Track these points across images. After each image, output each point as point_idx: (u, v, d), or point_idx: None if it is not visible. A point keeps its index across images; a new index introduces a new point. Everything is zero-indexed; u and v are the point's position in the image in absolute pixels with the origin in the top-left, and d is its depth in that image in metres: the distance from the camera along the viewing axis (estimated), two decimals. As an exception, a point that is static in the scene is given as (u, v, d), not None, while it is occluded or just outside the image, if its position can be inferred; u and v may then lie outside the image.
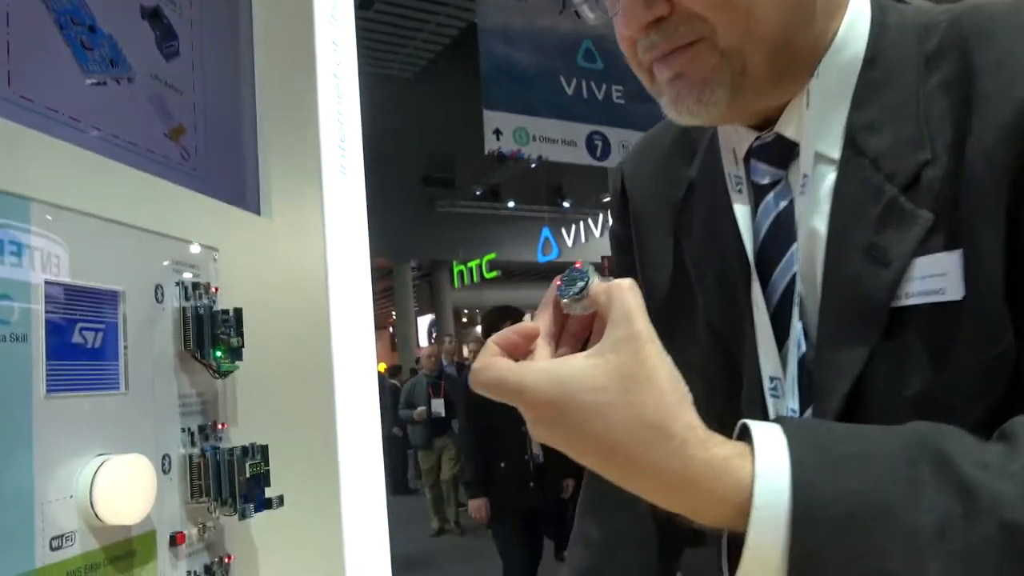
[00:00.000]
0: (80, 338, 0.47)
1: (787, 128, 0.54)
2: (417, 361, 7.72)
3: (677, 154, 0.66)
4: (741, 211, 0.57)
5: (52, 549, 0.42)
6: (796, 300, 0.52)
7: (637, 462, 0.40)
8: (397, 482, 7.34)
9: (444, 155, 15.32)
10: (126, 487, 0.46)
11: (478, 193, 15.20)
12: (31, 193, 0.44)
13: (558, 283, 0.47)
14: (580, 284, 0.46)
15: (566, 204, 16.08)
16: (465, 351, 7.31)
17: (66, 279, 0.45)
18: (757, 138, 0.56)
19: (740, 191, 0.57)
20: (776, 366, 0.52)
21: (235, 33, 0.75)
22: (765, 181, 0.56)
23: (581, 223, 16.04)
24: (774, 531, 0.37)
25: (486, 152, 6.13)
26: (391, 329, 17.21)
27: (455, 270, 15.59)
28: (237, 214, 0.68)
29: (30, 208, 0.43)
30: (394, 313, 16.32)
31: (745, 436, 0.42)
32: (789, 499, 0.37)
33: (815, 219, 0.52)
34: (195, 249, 0.59)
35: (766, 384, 0.53)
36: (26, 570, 0.40)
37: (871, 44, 0.52)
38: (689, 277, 0.61)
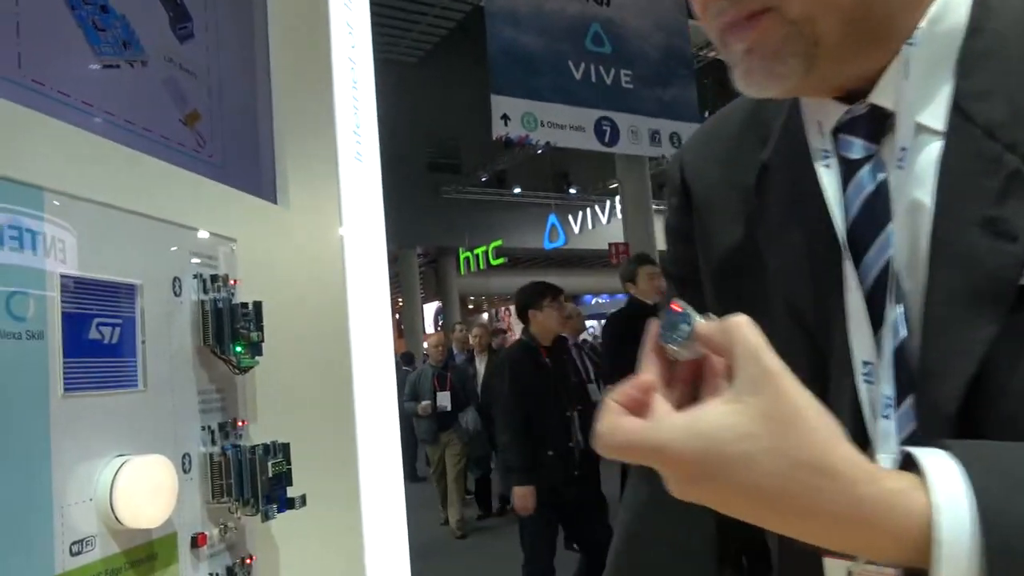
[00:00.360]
0: (97, 334, 0.45)
1: (882, 98, 0.52)
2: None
3: (747, 138, 0.63)
4: (831, 187, 0.54)
5: (72, 554, 0.40)
6: (892, 282, 0.49)
7: (802, 508, 0.38)
8: (408, 470, 7.23)
9: (450, 141, 15.26)
10: (147, 489, 0.44)
11: (484, 179, 15.14)
12: (44, 182, 0.42)
13: (658, 329, 0.44)
14: (685, 327, 0.43)
15: (572, 190, 16.02)
16: (469, 339, 6.89)
17: (82, 272, 0.43)
18: (847, 111, 0.54)
19: (828, 166, 0.54)
20: (871, 350, 0.50)
21: (249, 16, 0.72)
22: (857, 155, 0.53)
23: (588, 209, 15.98)
24: (964, 566, 0.35)
25: (494, 137, 6.09)
26: (397, 316, 17.24)
27: (461, 257, 15.55)
28: (254, 203, 0.66)
29: (43, 198, 0.41)
30: (400, 300, 16.34)
31: (909, 465, 0.39)
32: (977, 530, 0.35)
33: (918, 193, 0.49)
34: (213, 240, 0.57)
35: (858, 369, 0.50)
36: (45, 578, 0.39)
37: (974, 13, 0.49)
38: (762, 262, 0.58)
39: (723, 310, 0.60)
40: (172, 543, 0.49)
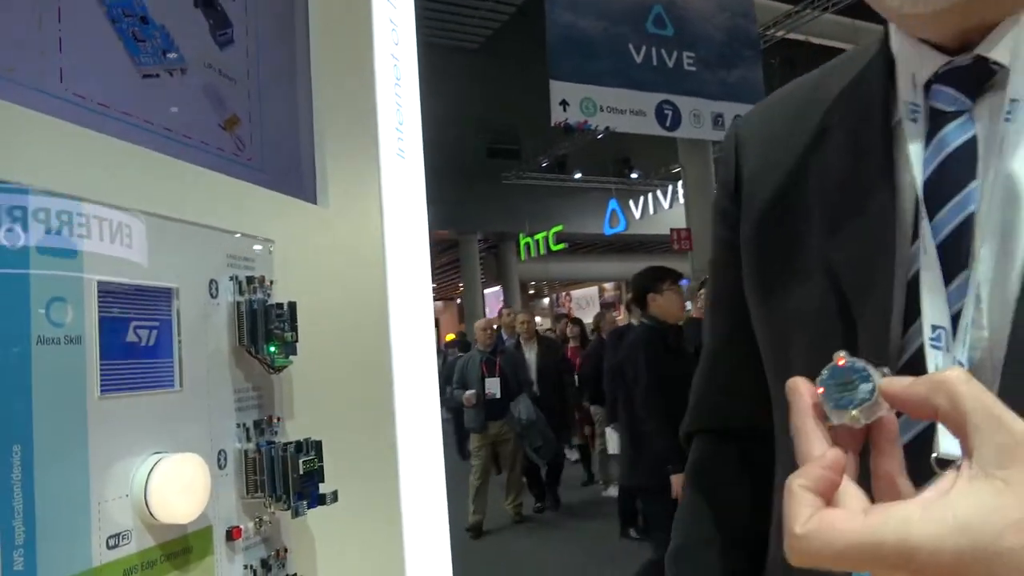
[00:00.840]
0: (134, 337, 0.47)
1: (995, 50, 0.49)
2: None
3: (811, 106, 0.62)
4: (914, 143, 0.52)
5: (109, 548, 0.43)
6: (976, 246, 0.46)
7: None
8: (458, 448, 7.06)
9: (510, 126, 15.26)
10: (179, 486, 0.46)
11: (544, 164, 15.09)
12: (83, 193, 0.43)
13: (821, 391, 0.38)
14: (866, 387, 0.36)
15: (634, 175, 15.81)
16: (516, 325, 6.36)
17: (119, 278, 0.45)
18: (949, 61, 0.52)
19: (915, 120, 0.53)
20: (942, 315, 0.47)
21: (290, 17, 0.74)
22: (950, 108, 0.51)
23: (649, 195, 15.76)
24: None
25: (552, 124, 6.06)
26: (459, 301, 17.40)
27: (521, 242, 15.57)
28: (293, 204, 0.68)
29: (81, 208, 0.43)
30: (461, 285, 16.49)
31: None
32: None
33: (1018, 152, 0.47)
34: (250, 242, 0.58)
35: (927, 333, 0.47)
36: (84, 569, 0.41)
37: None
38: (809, 222, 0.57)
39: (757, 272, 0.59)
40: (208, 536, 0.51)
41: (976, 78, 0.50)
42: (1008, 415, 0.33)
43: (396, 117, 0.91)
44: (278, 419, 0.58)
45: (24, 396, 0.38)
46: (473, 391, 5.35)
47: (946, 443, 0.44)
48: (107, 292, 0.44)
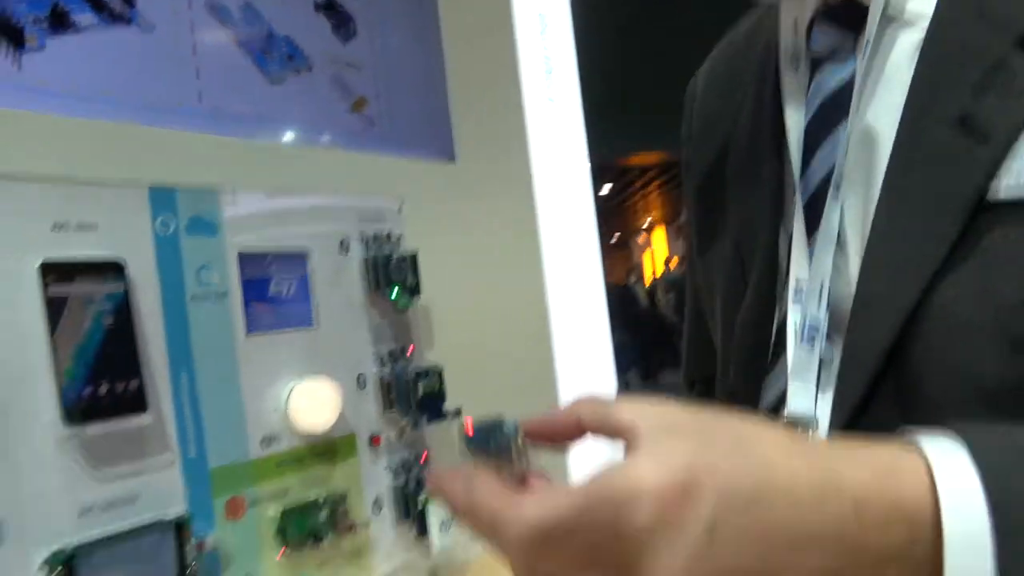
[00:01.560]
0: (276, 289, 0.61)
1: None
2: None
3: (737, 62, 0.58)
4: (792, 90, 0.48)
5: (262, 447, 0.58)
6: (834, 191, 0.42)
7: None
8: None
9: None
10: (311, 402, 0.59)
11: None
12: (222, 185, 0.58)
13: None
14: (509, 423, 0.33)
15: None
16: None
17: (257, 247, 0.59)
18: (824, 2, 0.47)
19: (796, 68, 0.49)
20: (803, 268, 0.44)
21: (418, -4, 0.82)
22: (826, 48, 0.47)
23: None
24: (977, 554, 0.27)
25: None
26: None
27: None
28: (424, 166, 0.78)
29: (218, 197, 0.57)
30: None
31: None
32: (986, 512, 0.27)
33: (883, 90, 0.42)
34: (377, 204, 0.70)
35: (791, 287, 0.44)
36: (243, 460, 0.56)
37: None
38: (723, 188, 0.54)
39: (696, 230, 0.58)
40: (352, 441, 0.64)
41: (851, 16, 0.45)
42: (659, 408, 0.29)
43: (543, 66, 0.96)
44: (412, 349, 0.70)
45: (184, 338, 0.54)
46: None
47: (795, 402, 0.40)
48: (247, 258, 0.59)
